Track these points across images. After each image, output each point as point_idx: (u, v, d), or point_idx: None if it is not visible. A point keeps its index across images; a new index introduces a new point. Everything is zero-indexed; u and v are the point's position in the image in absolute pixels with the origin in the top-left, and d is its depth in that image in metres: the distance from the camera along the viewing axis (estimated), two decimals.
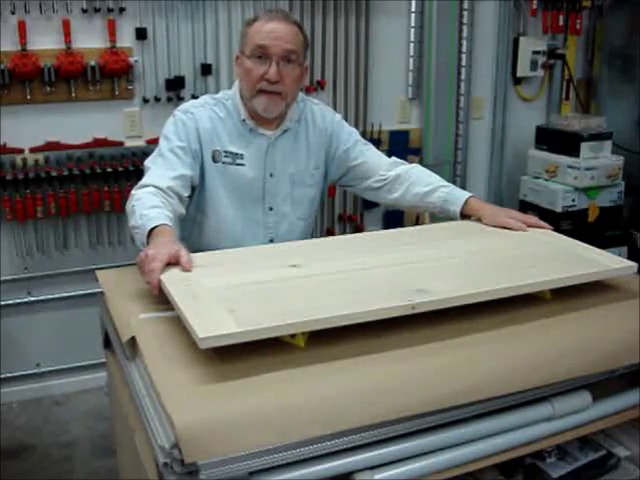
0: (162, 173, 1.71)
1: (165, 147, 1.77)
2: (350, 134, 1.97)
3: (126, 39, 2.75)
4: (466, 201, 1.81)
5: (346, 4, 3.05)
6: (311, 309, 1.21)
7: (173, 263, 1.38)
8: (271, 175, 1.86)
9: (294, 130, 1.88)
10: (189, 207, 1.81)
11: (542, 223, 1.74)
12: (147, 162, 1.78)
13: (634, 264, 1.49)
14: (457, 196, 1.83)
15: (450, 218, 1.86)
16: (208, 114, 1.82)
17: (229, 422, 1.02)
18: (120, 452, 1.64)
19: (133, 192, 1.66)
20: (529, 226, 1.71)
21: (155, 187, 1.65)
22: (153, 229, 1.50)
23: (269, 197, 1.87)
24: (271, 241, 1.87)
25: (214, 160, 1.82)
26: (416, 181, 1.89)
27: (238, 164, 1.83)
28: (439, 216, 1.93)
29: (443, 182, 1.89)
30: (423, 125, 3.35)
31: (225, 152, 1.82)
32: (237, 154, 1.82)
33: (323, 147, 1.93)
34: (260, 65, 1.75)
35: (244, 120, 1.83)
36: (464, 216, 1.82)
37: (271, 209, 1.88)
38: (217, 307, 1.21)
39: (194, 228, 1.90)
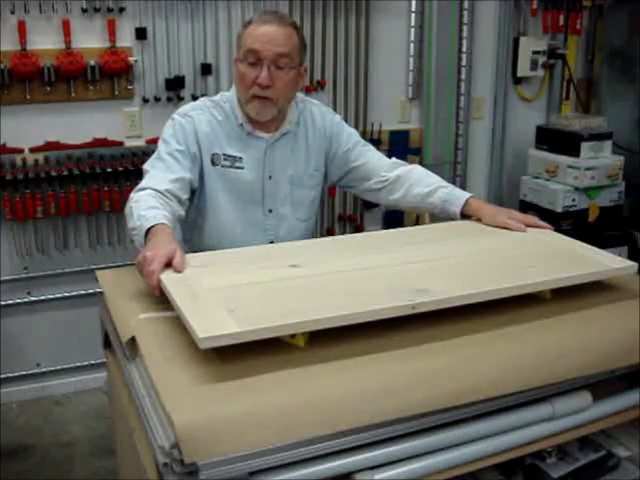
0: (161, 176, 1.71)
1: (164, 150, 1.77)
2: (350, 135, 1.96)
3: (126, 39, 2.75)
4: (466, 201, 1.81)
5: (346, 4, 3.04)
6: (311, 309, 1.21)
7: (171, 263, 1.38)
8: (270, 177, 1.86)
9: (293, 132, 1.88)
10: (189, 210, 1.81)
11: (542, 223, 1.74)
12: (146, 165, 1.78)
13: (634, 264, 1.49)
14: (457, 196, 1.83)
15: (450, 218, 1.86)
16: (207, 117, 1.82)
17: (229, 422, 1.02)
18: (120, 452, 1.64)
19: (131, 195, 1.66)
20: (529, 226, 1.72)
21: (153, 190, 1.65)
22: (150, 229, 1.50)
23: (268, 199, 1.87)
24: (271, 243, 1.86)
25: (213, 163, 1.82)
26: (416, 182, 1.89)
27: (237, 167, 1.82)
28: (439, 216, 1.92)
29: (443, 183, 1.89)
30: (423, 125, 3.35)
31: (224, 155, 1.82)
32: (236, 157, 1.82)
33: (323, 148, 1.92)
34: (253, 70, 1.73)
35: (242, 124, 1.83)
36: (464, 216, 1.82)
37: (270, 211, 1.88)
38: (217, 307, 1.21)
39: (195, 231, 1.90)
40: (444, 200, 1.84)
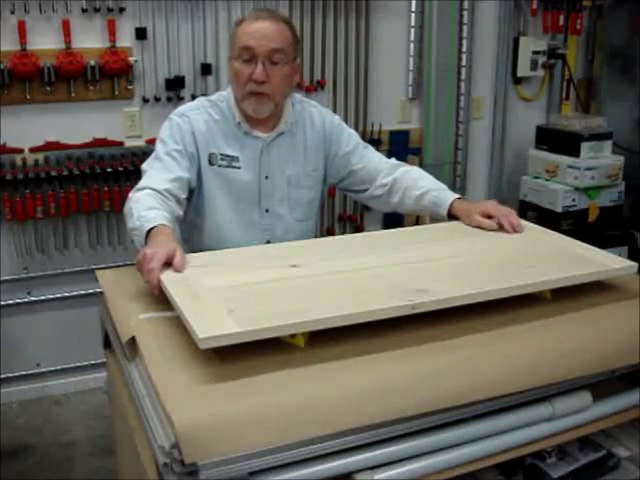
0: (159, 176, 1.71)
1: (162, 150, 1.77)
2: (350, 136, 1.96)
3: (126, 39, 2.75)
4: (451, 204, 1.81)
5: (346, 4, 3.04)
6: (311, 309, 1.21)
7: (171, 263, 1.39)
8: (266, 177, 1.86)
9: (291, 132, 1.88)
10: (188, 210, 1.82)
11: (511, 217, 1.69)
12: (144, 165, 1.78)
13: (634, 264, 1.49)
14: (444, 199, 1.82)
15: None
16: (204, 117, 1.82)
17: (229, 422, 1.02)
18: (120, 452, 1.64)
19: (130, 195, 1.66)
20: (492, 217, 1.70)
21: (152, 189, 1.65)
22: (151, 230, 1.50)
23: (265, 199, 1.87)
24: (268, 243, 1.86)
25: (210, 163, 1.82)
26: (411, 185, 1.89)
27: (234, 167, 1.82)
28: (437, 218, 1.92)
29: (435, 185, 1.87)
30: (423, 125, 3.35)
31: (221, 155, 1.82)
32: (233, 157, 1.82)
33: (321, 149, 1.92)
34: (247, 66, 1.74)
35: (239, 123, 1.83)
36: (452, 218, 1.82)
37: (267, 211, 1.88)
38: (217, 307, 1.21)
39: (194, 231, 1.90)
40: (432, 203, 1.84)
